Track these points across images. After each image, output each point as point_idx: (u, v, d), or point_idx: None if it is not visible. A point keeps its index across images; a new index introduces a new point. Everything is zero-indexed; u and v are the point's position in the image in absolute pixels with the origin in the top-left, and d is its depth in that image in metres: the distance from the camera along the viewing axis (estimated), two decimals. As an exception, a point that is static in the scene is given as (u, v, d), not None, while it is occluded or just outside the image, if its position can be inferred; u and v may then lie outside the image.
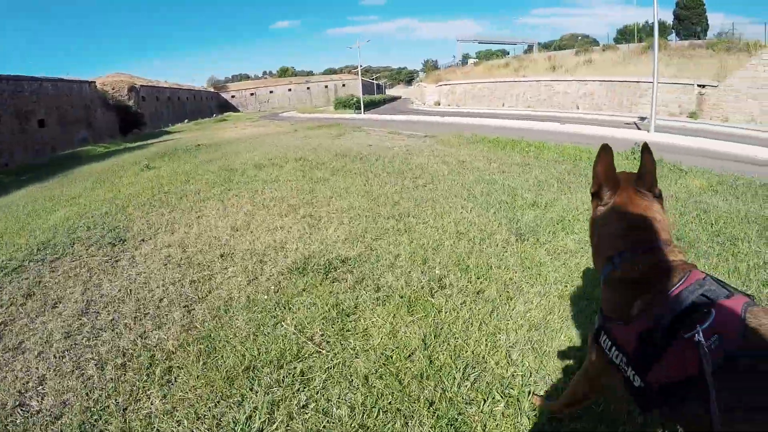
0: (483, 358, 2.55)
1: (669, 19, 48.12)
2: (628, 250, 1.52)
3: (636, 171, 1.62)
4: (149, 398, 2.34)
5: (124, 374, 2.55)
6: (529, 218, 4.97)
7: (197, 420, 2.17)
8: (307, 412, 2.19)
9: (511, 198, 5.90)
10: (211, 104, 63.65)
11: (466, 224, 4.84)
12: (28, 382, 2.56)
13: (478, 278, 3.53)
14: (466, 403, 2.22)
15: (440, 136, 14.22)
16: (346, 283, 3.53)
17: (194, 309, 3.30)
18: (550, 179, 7.03)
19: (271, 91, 73.56)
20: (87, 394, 2.40)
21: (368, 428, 2.10)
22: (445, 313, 3.02)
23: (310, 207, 5.87)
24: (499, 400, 2.23)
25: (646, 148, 1.57)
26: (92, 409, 2.29)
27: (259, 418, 2.14)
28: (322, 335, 2.81)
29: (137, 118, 38.61)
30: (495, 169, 8.03)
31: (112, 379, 2.51)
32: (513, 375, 2.41)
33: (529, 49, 55.61)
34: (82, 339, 2.98)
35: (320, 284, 3.53)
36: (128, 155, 15.91)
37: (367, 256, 4.06)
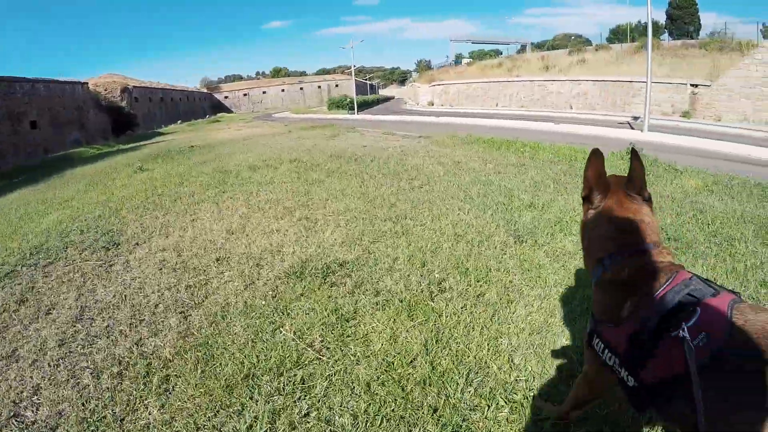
0: (485, 363, 2.52)
1: (662, 18, 48.40)
2: (617, 253, 1.55)
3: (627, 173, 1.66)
4: (147, 408, 2.29)
5: (121, 383, 2.50)
6: (527, 220, 4.96)
7: (197, 430, 2.12)
8: (309, 420, 2.14)
9: (508, 199, 5.88)
10: (204, 105, 63.44)
11: (464, 226, 4.82)
12: (22, 392, 2.50)
13: (478, 281, 3.50)
14: (470, 409, 2.19)
15: (435, 137, 14.22)
16: (345, 288, 3.49)
17: (191, 315, 3.25)
18: (546, 180, 7.03)
19: (264, 92, 73.46)
20: (83, 405, 2.34)
21: (371, 437, 2.07)
22: (446, 317, 2.99)
23: (305, 209, 5.82)
24: (503, 406, 2.20)
25: (635, 153, 1.61)
26: (89, 419, 2.23)
27: (261, 428, 2.09)
28: (321, 341, 2.77)
29: (130, 119, 38.42)
30: (491, 170, 8.03)
31: (108, 388, 2.46)
32: (516, 380, 2.39)
33: (522, 49, 55.78)
34: (77, 347, 2.92)
35: (318, 289, 3.49)
36: (121, 157, 15.80)
37: (365, 260, 4.02)
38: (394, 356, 2.58)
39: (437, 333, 2.81)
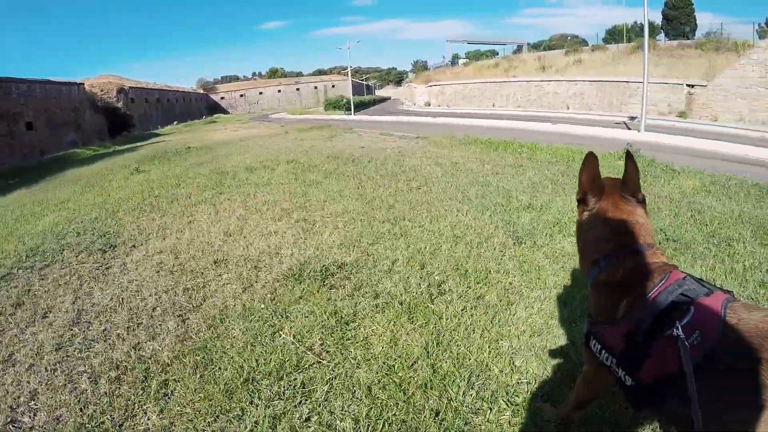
0: (486, 365, 2.51)
1: (658, 19, 48.50)
2: (612, 254, 1.58)
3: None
4: (146, 413, 2.26)
5: (119, 388, 2.47)
6: (526, 221, 4.95)
7: (196, 436, 2.11)
8: (310, 425, 2.13)
9: (506, 200, 5.88)
10: (200, 106, 63.26)
11: (463, 227, 4.81)
12: (19, 397, 2.47)
13: (478, 283, 3.49)
14: (473, 413, 2.18)
15: (432, 137, 14.21)
16: (344, 290, 3.47)
17: (189, 318, 3.23)
18: (544, 181, 7.02)
19: (260, 93, 73.30)
20: (81, 410, 2.32)
21: (373, 441, 2.05)
22: (446, 319, 2.97)
23: (303, 211, 5.80)
24: (505, 409, 2.19)
25: (629, 156, 1.66)
26: (87, 425, 2.21)
27: (261, 433, 2.08)
28: (321, 345, 2.75)
29: (126, 120, 38.31)
30: (489, 171, 8.02)
31: (106, 393, 2.43)
32: (518, 382, 2.38)
33: (519, 49, 55.88)
34: (74, 351, 2.89)
35: (317, 291, 3.47)
36: (117, 158, 15.75)
37: (364, 262, 4.00)
38: (395, 359, 2.56)
39: (438, 336, 2.80)
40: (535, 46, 59.52)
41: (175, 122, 46.94)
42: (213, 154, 12.90)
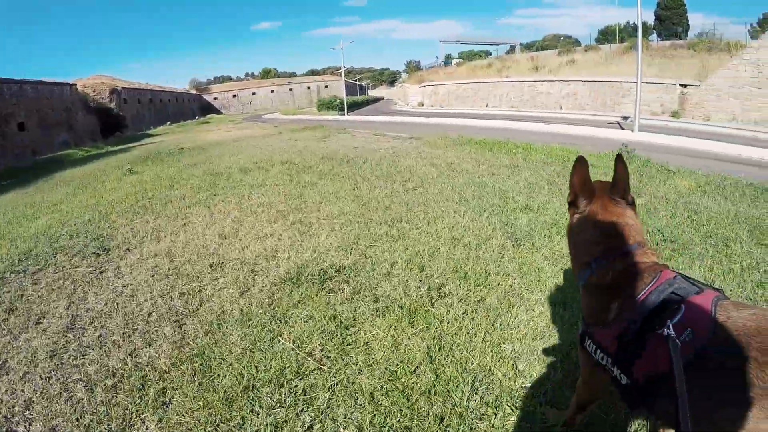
0: (490, 370, 2.49)
1: (650, 19, 48.72)
2: (602, 257, 1.60)
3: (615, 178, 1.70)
4: (144, 423, 2.21)
5: (116, 396, 2.42)
6: (523, 222, 4.94)
7: (196, 445, 2.06)
8: (312, 433, 2.09)
9: (503, 201, 5.86)
10: (193, 106, 62.97)
11: (461, 229, 4.78)
12: (14, 407, 2.42)
13: (478, 286, 3.46)
14: (477, 418, 2.15)
15: (426, 138, 14.19)
16: (343, 294, 3.43)
17: (185, 324, 3.17)
18: (540, 181, 7.01)
19: (253, 93, 73.10)
20: (77, 420, 2.26)
21: (377, 449, 2.02)
22: (447, 323, 2.94)
23: (299, 213, 5.76)
24: (510, 414, 2.17)
25: (619, 159, 1.67)
26: (83, 435, 2.16)
27: (262, 442, 2.04)
28: (322, 350, 2.71)
29: (119, 120, 38.00)
30: (484, 172, 8.01)
31: (102, 402, 2.38)
32: (522, 387, 2.35)
33: (512, 49, 56.08)
34: (69, 358, 2.84)
35: (316, 295, 3.43)
36: (110, 159, 15.62)
37: (362, 265, 3.97)
38: (397, 365, 2.53)
39: (439, 340, 2.77)
40: (528, 47, 59.74)
41: (168, 123, 46.64)
42: (206, 154, 12.82)
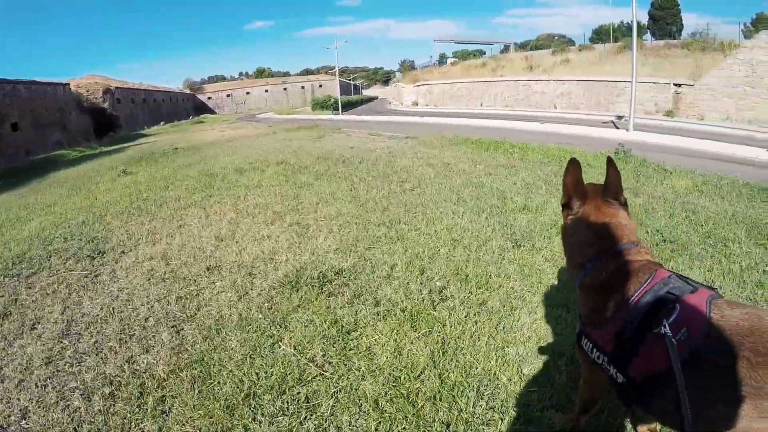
0: (495, 374, 2.45)
1: (644, 19, 48.81)
2: (597, 257, 1.63)
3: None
4: (143, 432, 2.17)
5: (114, 405, 2.37)
6: (522, 223, 4.91)
7: (197, 455, 2.01)
8: (316, 443, 2.05)
9: (501, 202, 5.84)
10: (187, 106, 62.62)
11: (460, 230, 4.75)
12: (10, 416, 2.36)
13: (479, 288, 3.43)
14: (484, 424, 2.12)
15: (421, 137, 14.15)
16: (343, 297, 3.39)
17: (183, 329, 3.12)
18: (537, 181, 7.00)
19: (247, 93, 72.80)
20: (75, 429, 2.21)
21: (382, 458, 1.98)
22: (450, 327, 2.91)
23: (296, 214, 5.71)
24: (516, 419, 2.14)
25: (610, 161, 1.72)
26: (81, 446, 2.11)
27: (265, 452, 1.99)
28: (323, 356, 2.67)
29: (112, 120, 37.72)
30: (481, 172, 7.98)
31: (100, 410, 2.33)
32: (528, 391, 2.32)
33: (506, 49, 56.18)
34: (65, 365, 2.78)
35: (316, 299, 3.38)
36: (104, 159, 15.50)
37: (362, 267, 3.93)
38: (401, 370, 2.49)
39: (443, 344, 2.73)
40: (522, 46, 59.91)
41: (162, 123, 46.41)
42: (201, 155, 12.73)
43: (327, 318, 3.07)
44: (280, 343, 2.81)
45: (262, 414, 2.20)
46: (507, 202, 5.82)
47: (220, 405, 2.28)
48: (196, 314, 3.32)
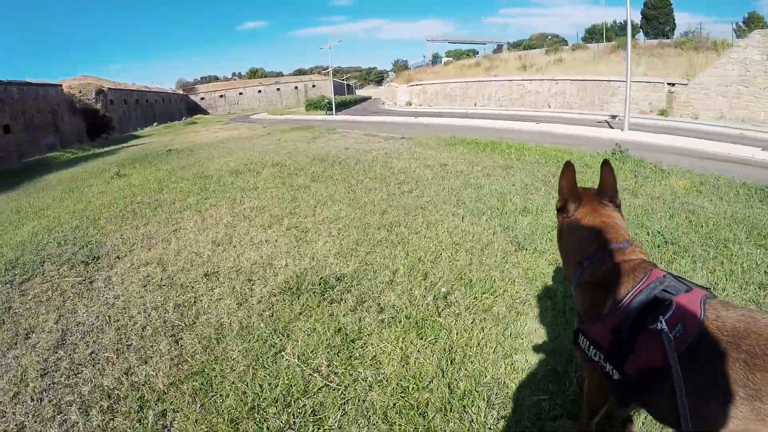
0: (504, 383, 2.40)
1: (637, 18, 49.13)
2: (593, 255, 1.65)
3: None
4: (143, 449, 2.09)
5: (112, 420, 2.29)
6: (524, 225, 4.86)
7: (200, 473, 1.95)
8: (324, 458, 1.98)
9: (501, 203, 5.79)
10: (180, 107, 62.36)
11: (461, 233, 4.69)
12: (5, 431, 2.28)
13: (484, 293, 3.37)
14: (496, 436, 2.06)
15: (417, 138, 14.11)
16: (346, 304, 3.31)
17: (182, 338, 3.04)
18: (536, 182, 6.96)
19: (240, 93, 72.59)
20: (72, 446, 2.14)
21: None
22: (457, 334, 2.85)
23: (294, 217, 5.63)
24: (529, 428, 2.09)
25: (605, 164, 1.74)
26: (79, 463, 2.03)
27: (271, 468, 1.92)
28: (328, 366, 2.59)
29: (105, 122, 37.50)
30: (479, 173, 7.93)
31: (99, 426, 2.24)
32: (539, 400, 2.26)
33: (499, 48, 56.29)
34: (61, 377, 2.69)
35: (318, 306, 3.31)
36: (97, 161, 15.36)
37: (363, 272, 3.86)
38: (409, 380, 2.43)
39: (450, 352, 2.67)
40: (515, 46, 60.09)
41: (155, 123, 46.18)
42: (195, 156, 12.61)
43: (330, 326, 3.00)
44: (283, 353, 2.74)
45: (268, 428, 2.13)
46: (506, 203, 5.77)
47: (224, 419, 2.21)
48: (195, 323, 3.24)
